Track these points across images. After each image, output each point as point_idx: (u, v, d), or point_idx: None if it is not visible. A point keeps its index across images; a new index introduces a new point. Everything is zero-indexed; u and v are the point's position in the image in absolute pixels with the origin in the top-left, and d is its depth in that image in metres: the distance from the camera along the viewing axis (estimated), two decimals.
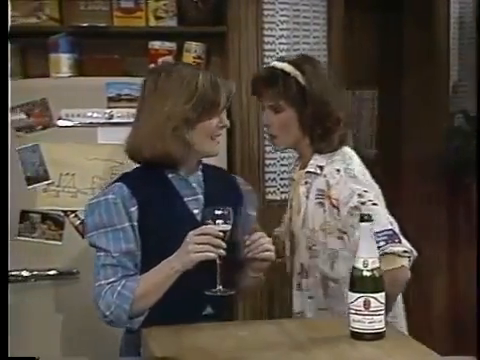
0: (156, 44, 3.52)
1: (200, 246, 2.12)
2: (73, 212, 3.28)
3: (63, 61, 3.41)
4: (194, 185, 2.33)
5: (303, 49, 3.67)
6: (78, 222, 3.26)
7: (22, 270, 3.22)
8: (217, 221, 2.13)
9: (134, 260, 2.26)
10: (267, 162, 3.69)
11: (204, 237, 2.12)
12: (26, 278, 3.23)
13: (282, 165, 3.70)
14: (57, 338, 3.24)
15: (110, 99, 3.30)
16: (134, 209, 2.25)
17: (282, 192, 3.67)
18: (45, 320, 3.25)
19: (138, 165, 2.36)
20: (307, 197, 2.49)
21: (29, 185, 3.24)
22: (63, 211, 3.30)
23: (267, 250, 2.25)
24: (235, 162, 3.57)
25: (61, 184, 3.25)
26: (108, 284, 2.22)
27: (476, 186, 3.13)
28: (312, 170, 2.51)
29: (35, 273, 3.25)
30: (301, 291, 2.54)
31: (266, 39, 3.64)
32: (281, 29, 3.67)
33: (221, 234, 2.13)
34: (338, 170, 2.45)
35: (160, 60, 3.46)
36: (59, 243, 3.30)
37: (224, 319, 2.33)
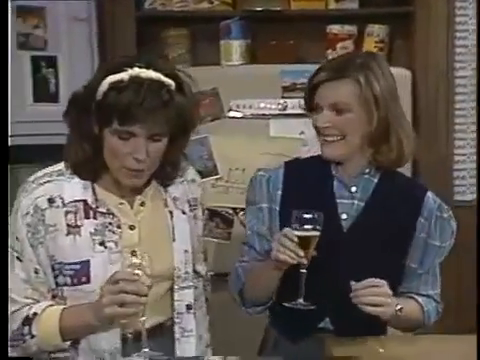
0: (335, 28, 3.40)
1: (277, 246, 2.01)
2: (243, 210, 3.11)
3: (234, 48, 3.36)
4: (353, 189, 2.17)
5: None
6: None
7: None
8: (305, 226, 1.99)
9: (266, 244, 2.18)
10: (456, 158, 3.46)
11: (282, 238, 2.00)
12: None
13: (471, 162, 3.47)
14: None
15: (284, 88, 3.24)
16: (279, 193, 2.19)
17: (471, 192, 3.44)
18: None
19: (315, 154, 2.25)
20: None
21: None
22: (232, 208, 3.26)
23: (376, 305, 1.98)
24: (419, 159, 3.28)
25: (230, 179, 3.20)
26: (238, 261, 2.22)
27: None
28: None
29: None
30: None
31: (458, 19, 3.40)
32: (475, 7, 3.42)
33: (295, 239, 1.98)
34: None
35: (339, 45, 3.36)
36: (227, 242, 3.26)
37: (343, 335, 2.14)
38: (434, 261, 2.20)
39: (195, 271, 2.11)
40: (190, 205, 2.12)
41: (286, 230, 1.99)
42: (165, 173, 2.05)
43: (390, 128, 2.12)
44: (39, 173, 2.02)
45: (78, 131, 1.96)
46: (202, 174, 3.08)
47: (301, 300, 2.01)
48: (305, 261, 1.98)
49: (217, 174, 3.20)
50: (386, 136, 2.12)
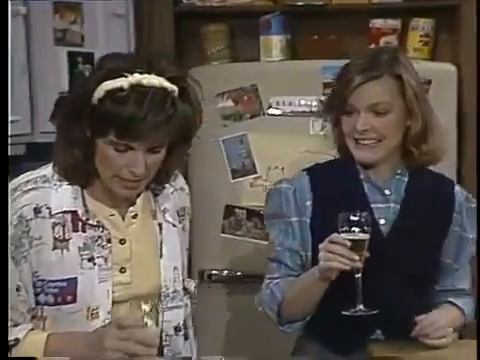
0: (378, 22, 3.31)
1: (327, 254, 1.93)
2: None
3: (275, 43, 3.29)
4: (387, 192, 2.11)
5: None
6: None
7: (224, 270, 3.15)
8: (352, 228, 1.93)
9: (299, 260, 2.13)
10: None
11: (331, 245, 1.93)
12: (234, 278, 3.14)
13: None
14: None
15: (326, 85, 3.09)
16: (309, 203, 2.12)
17: None
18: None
19: (336, 157, 2.21)
20: None
21: (234, 178, 3.15)
22: None
23: (441, 337, 1.99)
24: (464, 157, 3.19)
25: (269, 178, 3.11)
26: (268, 279, 2.15)
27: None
28: None
29: (238, 274, 3.15)
30: None
31: None
32: None
33: (347, 243, 1.91)
34: None
35: (382, 40, 3.28)
36: (265, 242, 3.07)
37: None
38: (468, 254, 2.16)
39: (184, 288, 1.96)
40: (179, 215, 1.97)
41: (334, 236, 1.93)
42: (158, 180, 1.89)
43: (428, 125, 2.05)
44: (21, 179, 1.84)
45: (67, 135, 1.79)
46: (240, 172, 3.10)
47: (361, 307, 1.95)
48: (360, 265, 1.92)
49: (256, 173, 3.13)
50: (425, 134, 2.06)
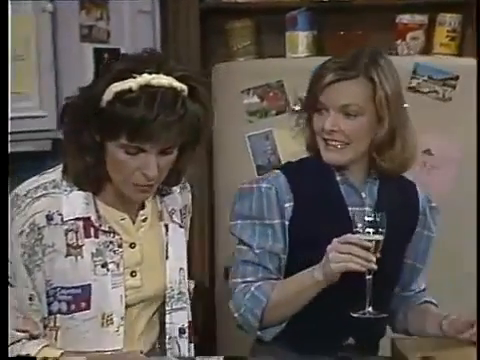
0: (405, 18, 3.30)
1: (341, 255, 1.86)
2: None
3: (301, 39, 3.29)
4: (363, 194, 2.05)
5: None
6: None
7: None
8: (367, 229, 1.87)
9: (277, 262, 2.03)
10: None
11: (346, 246, 1.85)
12: None
13: None
14: None
15: None
16: (289, 205, 2.01)
17: None
18: None
19: (308, 156, 2.11)
20: None
21: (259, 175, 3.02)
22: None
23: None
24: None
25: None
26: (243, 283, 2.01)
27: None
28: None
29: None
30: None
31: None
32: None
33: (368, 244, 1.86)
34: None
35: (409, 35, 3.26)
36: None
37: (367, 351, 2.06)
38: (430, 254, 2.14)
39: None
40: (181, 213, 1.92)
41: (350, 237, 1.86)
42: (169, 181, 1.84)
43: (396, 133, 1.98)
44: (29, 185, 1.78)
45: (76, 141, 1.73)
46: (266, 169, 3.01)
47: (370, 309, 1.89)
48: (375, 266, 1.87)
49: None
50: (391, 142, 1.98)
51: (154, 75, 1.66)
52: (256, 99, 3.11)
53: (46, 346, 1.74)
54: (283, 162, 3.03)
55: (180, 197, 1.93)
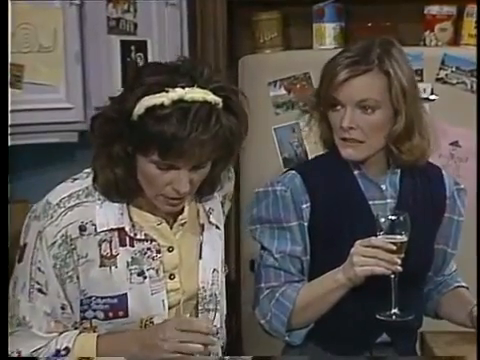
0: (433, 9, 3.25)
1: (366, 259, 1.84)
2: None
3: (328, 31, 3.26)
4: (383, 187, 2.02)
5: None
6: None
7: None
8: (392, 231, 1.87)
9: (299, 265, 2.02)
10: None
11: (371, 250, 1.84)
12: None
13: None
14: None
15: None
16: (306, 206, 2.00)
17: None
18: None
19: (323, 153, 2.09)
20: None
21: (286, 167, 3.05)
22: None
23: None
24: None
25: None
26: (267, 288, 2.01)
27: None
28: None
29: None
30: None
31: None
32: None
33: (392, 247, 1.84)
34: None
35: (437, 27, 3.22)
36: None
37: (403, 349, 2.04)
38: (460, 238, 2.11)
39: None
40: (222, 204, 1.89)
41: (374, 239, 1.86)
42: (202, 192, 1.80)
43: (414, 124, 1.95)
44: (63, 191, 1.73)
45: (106, 152, 1.68)
46: (292, 161, 3.04)
47: (396, 310, 1.89)
48: (400, 269, 1.86)
49: None
50: (409, 133, 1.95)
51: (188, 89, 1.60)
52: (283, 91, 3.10)
53: (79, 333, 1.74)
54: (311, 155, 3.06)
55: (218, 194, 1.89)
